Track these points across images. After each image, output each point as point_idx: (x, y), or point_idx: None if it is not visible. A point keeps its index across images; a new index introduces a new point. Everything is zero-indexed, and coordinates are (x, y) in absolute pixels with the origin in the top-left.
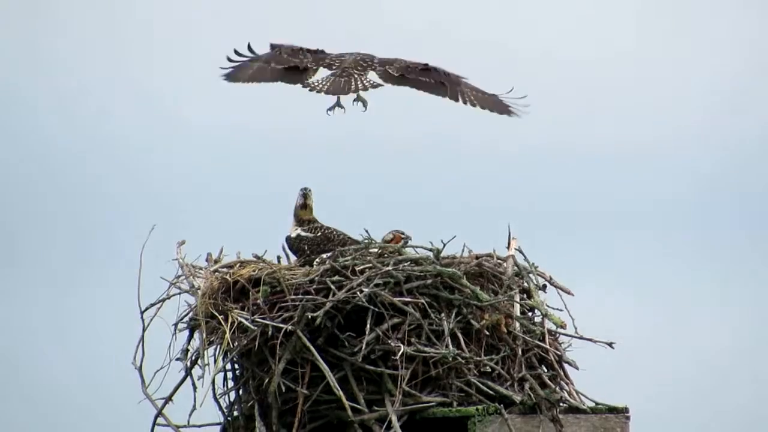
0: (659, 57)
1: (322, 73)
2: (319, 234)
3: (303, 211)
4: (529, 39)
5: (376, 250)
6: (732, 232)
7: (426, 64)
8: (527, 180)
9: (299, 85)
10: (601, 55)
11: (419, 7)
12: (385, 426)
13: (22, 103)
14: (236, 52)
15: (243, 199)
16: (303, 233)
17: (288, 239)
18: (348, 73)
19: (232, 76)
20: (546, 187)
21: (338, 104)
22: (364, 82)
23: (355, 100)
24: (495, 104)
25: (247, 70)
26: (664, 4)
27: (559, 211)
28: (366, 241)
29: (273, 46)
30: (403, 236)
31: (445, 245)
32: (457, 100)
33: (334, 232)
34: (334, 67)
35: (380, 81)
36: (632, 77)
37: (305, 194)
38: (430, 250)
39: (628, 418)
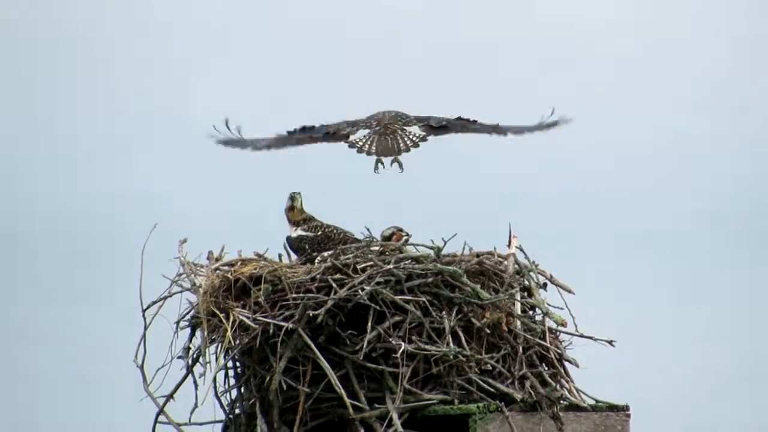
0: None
1: (362, 133)
2: (320, 233)
3: (291, 213)
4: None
5: (377, 248)
6: (735, 232)
7: (461, 117)
8: (527, 179)
9: (343, 143)
10: (607, 56)
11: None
12: (386, 424)
13: (22, 100)
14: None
15: (244, 197)
16: (304, 233)
17: (289, 239)
18: (392, 130)
19: (267, 144)
20: (546, 187)
21: (381, 162)
22: (411, 137)
23: (392, 161)
24: (535, 128)
25: (284, 139)
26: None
27: (559, 210)
28: (367, 239)
29: (305, 128)
30: (403, 234)
31: (446, 243)
32: (504, 134)
33: (335, 231)
34: (373, 126)
35: (423, 132)
36: (634, 79)
37: (292, 197)
38: (431, 248)
39: (628, 416)
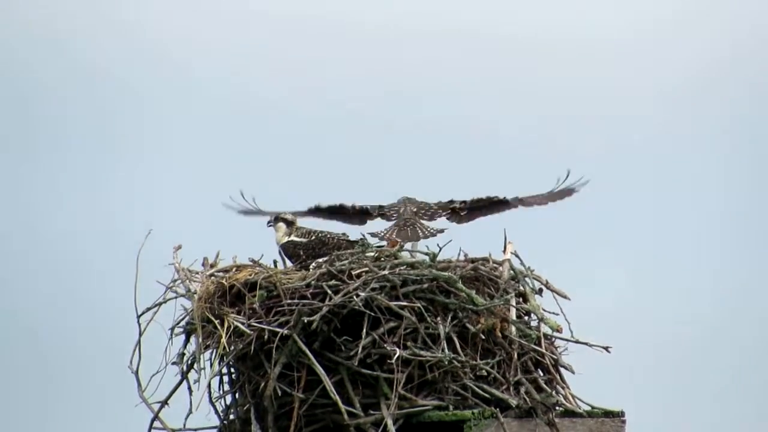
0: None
1: (382, 223)
2: (314, 238)
3: (293, 226)
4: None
5: (372, 253)
6: (733, 237)
7: (481, 198)
8: (523, 181)
9: (364, 233)
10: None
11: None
12: (381, 430)
13: (26, 99)
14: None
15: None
16: (296, 238)
17: (283, 245)
18: (411, 223)
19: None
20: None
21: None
22: (426, 231)
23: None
24: (553, 196)
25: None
26: None
27: (556, 214)
28: (362, 244)
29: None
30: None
31: (441, 249)
32: (524, 205)
33: (328, 236)
34: (393, 218)
35: (444, 226)
36: (628, 74)
37: (284, 220)
38: (426, 254)
39: (623, 422)
